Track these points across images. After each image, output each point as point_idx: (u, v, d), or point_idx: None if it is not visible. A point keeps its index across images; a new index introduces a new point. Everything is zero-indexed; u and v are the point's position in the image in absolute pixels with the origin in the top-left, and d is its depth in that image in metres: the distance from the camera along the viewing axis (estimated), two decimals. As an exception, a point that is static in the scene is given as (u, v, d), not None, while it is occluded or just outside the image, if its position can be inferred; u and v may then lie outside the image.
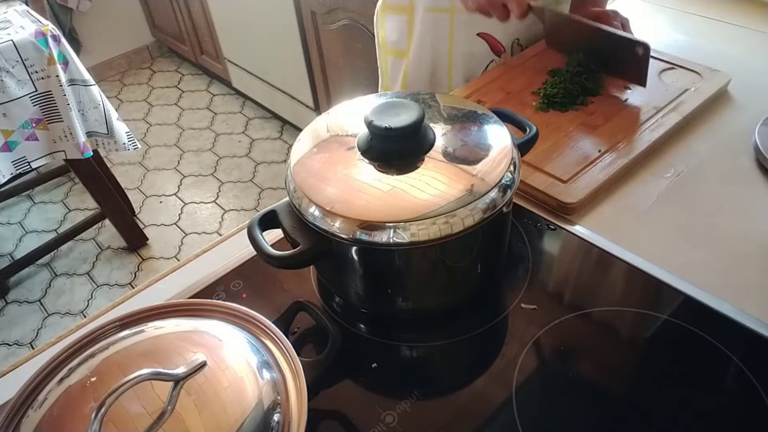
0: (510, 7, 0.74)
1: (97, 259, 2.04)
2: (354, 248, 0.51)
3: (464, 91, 0.85)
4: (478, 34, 0.92)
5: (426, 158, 0.52)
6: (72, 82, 1.56)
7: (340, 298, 0.61)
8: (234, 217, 2.17)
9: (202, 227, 2.14)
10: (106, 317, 0.56)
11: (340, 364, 0.52)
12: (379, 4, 1.00)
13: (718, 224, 0.65)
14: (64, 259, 2.05)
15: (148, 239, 2.08)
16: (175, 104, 2.76)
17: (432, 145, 0.53)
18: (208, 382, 0.41)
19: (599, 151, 0.72)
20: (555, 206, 0.67)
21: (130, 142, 1.72)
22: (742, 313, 0.55)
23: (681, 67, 0.85)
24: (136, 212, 2.21)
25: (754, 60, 0.91)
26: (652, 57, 0.84)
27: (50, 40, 1.48)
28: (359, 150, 0.54)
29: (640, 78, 0.80)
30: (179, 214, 2.20)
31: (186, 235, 2.12)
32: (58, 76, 1.49)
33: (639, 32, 0.87)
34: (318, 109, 2.18)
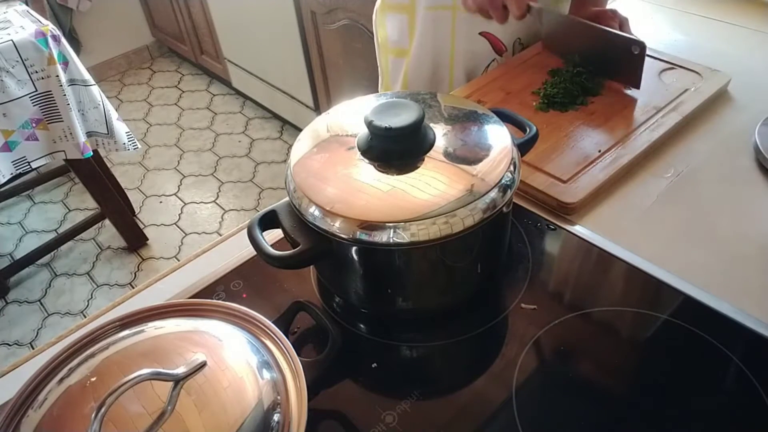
0: (509, 8, 0.74)
1: (97, 259, 2.04)
2: (354, 248, 0.51)
3: (464, 91, 0.85)
4: (480, 33, 0.92)
5: (426, 158, 0.52)
6: (72, 82, 1.56)
7: (340, 298, 0.61)
8: (234, 217, 2.17)
9: (202, 227, 2.14)
10: (106, 317, 0.56)
11: (340, 364, 0.52)
12: (378, 3, 1.00)
13: (718, 224, 0.65)
14: (64, 259, 2.05)
15: (148, 239, 2.08)
16: (175, 104, 2.76)
17: (432, 145, 0.53)
18: (208, 382, 0.41)
19: (599, 151, 0.72)
20: (555, 206, 0.67)
21: (130, 142, 1.72)
22: (742, 313, 0.55)
23: (681, 67, 0.85)
24: (136, 212, 2.21)
25: (754, 60, 0.91)
26: (653, 57, 0.85)
27: (50, 40, 1.48)
28: (359, 150, 0.54)
29: (634, 79, 0.80)
30: (179, 214, 2.20)
31: (186, 235, 2.12)
32: (58, 76, 1.49)
33: (639, 32, 0.87)
34: (318, 109, 2.18)
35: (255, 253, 0.52)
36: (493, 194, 0.50)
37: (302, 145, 0.57)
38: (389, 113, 0.52)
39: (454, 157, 0.53)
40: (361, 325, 0.59)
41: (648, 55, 0.80)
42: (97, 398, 0.38)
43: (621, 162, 0.70)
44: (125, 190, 2.12)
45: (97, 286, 1.95)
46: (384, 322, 0.59)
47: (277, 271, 0.57)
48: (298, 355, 0.46)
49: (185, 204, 2.24)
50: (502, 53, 0.94)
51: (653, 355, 0.54)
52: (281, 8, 1.97)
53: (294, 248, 0.51)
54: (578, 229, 0.65)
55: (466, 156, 0.54)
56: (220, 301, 0.51)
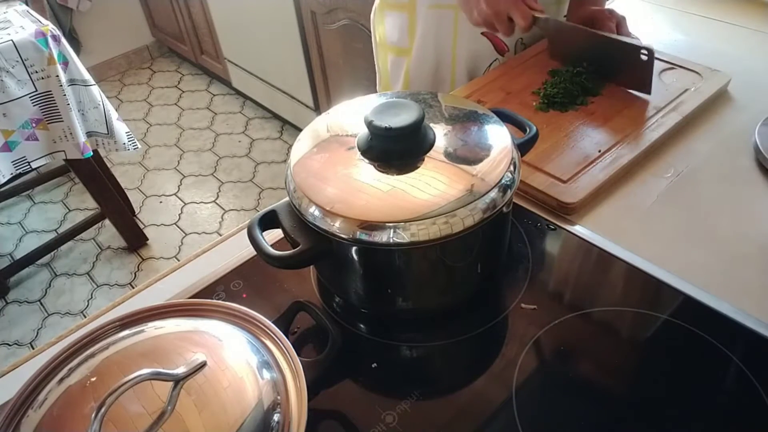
0: (515, 19, 0.74)
1: (97, 259, 2.04)
2: (354, 248, 0.51)
3: (464, 91, 0.85)
4: (482, 33, 0.92)
5: (426, 158, 0.52)
6: (72, 82, 1.56)
7: (340, 298, 0.61)
8: (234, 217, 2.17)
9: (202, 227, 2.14)
10: (106, 317, 0.56)
11: (340, 364, 0.52)
12: (376, 2, 1.00)
13: (718, 224, 0.65)
14: (64, 259, 2.05)
15: (148, 239, 2.08)
16: (175, 104, 2.76)
17: (432, 145, 0.53)
18: (208, 382, 0.41)
19: (599, 151, 0.72)
20: (555, 206, 0.67)
21: (130, 142, 1.72)
22: (742, 313, 0.55)
23: (681, 67, 0.85)
24: (136, 212, 2.21)
25: (754, 60, 0.91)
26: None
27: (50, 40, 1.48)
28: (359, 150, 0.54)
29: (644, 84, 0.79)
30: (179, 214, 2.20)
31: (186, 235, 2.12)
32: (58, 76, 1.49)
33: (638, 32, 0.87)
34: (318, 109, 2.18)
35: (255, 253, 0.52)
36: (493, 194, 0.50)
37: (302, 145, 0.57)
38: (389, 113, 0.52)
39: (454, 157, 0.53)
40: (361, 325, 0.59)
41: (648, 56, 0.80)
42: (97, 398, 0.38)
43: (621, 162, 0.70)
44: (125, 190, 2.12)
45: (97, 286, 1.95)
46: (384, 322, 0.59)
47: (277, 271, 0.57)
48: (298, 355, 0.46)
49: (185, 204, 2.24)
50: (504, 53, 0.94)
51: (653, 355, 0.54)
52: (281, 8, 1.97)
53: (294, 248, 0.51)
54: (578, 229, 0.65)
55: (466, 156, 0.54)
56: (220, 301, 0.51)
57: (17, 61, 1.44)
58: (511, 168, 0.52)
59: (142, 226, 2.10)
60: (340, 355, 0.51)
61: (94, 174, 1.82)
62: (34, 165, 1.57)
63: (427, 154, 0.52)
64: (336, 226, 0.49)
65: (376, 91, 0.84)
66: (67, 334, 0.59)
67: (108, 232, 2.11)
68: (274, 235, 0.60)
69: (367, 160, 0.53)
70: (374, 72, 1.08)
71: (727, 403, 0.50)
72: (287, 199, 0.54)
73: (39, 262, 2.01)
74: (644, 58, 0.77)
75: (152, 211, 2.22)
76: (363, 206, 0.49)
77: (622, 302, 0.58)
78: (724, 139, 0.76)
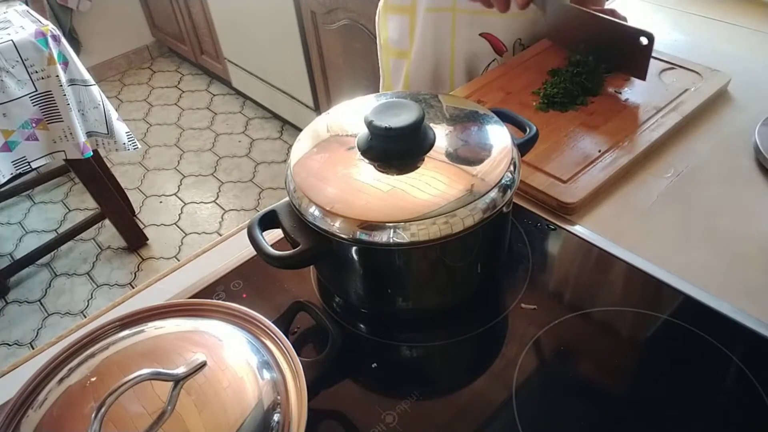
0: None
1: (97, 259, 2.04)
2: (354, 248, 0.51)
3: (464, 91, 0.85)
4: (480, 34, 0.92)
5: (426, 158, 0.52)
6: (72, 82, 1.56)
7: (340, 298, 0.61)
8: (234, 217, 2.17)
9: (202, 227, 2.14)
10: (106, 317, 0.56)
11: (340, 364, 0.52)
12: (380, 4, 1.00)
13: (718, 224, 0.65)
14: (64, 259, 2.05)
15: (148, 239, 2.08)
16: (175, 104, 2.76)
17: (432, 145, 0.53)
18: (208, 382, 0.41)
19: (599, 151, 0.72)
20: (555, 206, 0.67)
21: (130, 142, 1.72)
22: (742, 313, 0.55)
23: (681, 67, 0.85)
24: (136, 212, 2.21)
25: (754, 60, 0.91)
26: (653, 57, 0.84)
27: (50, 40, 1.48)
28: (359, 150, 0.54)
29: (640, 69, 0.80)
30: (179, 214, 2.20)
31: (186, 235, 2.12)
32: (58, 76, 1.49)
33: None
34: (318, 109, 2.18)
35: (255, 253, 0.52)
36: (493, 194, 0.50)
37: (302, 145, 0.57)
38: (389, 113, 0.52)
39: (454, 157, 0.54)
40: (361, 325, 0.59)
41: (649, 54, 0.80)
42: (97, 398, 0.38)
43: (621, 162, 0.70)
44: (125, 190, 2.12)
45: (97, 286, 1.95)
46: (384, 322, 0.59)
47: (277, 271, 0.57)
48: (298, 355, 0.46)
49: (185, 204, 2.24)
50: (503, 54, 0.94)
51: (653, 355, 0.54)
52: (281, 8, 1.97)
53: (294, 248, 0.51)
54: (578, 229, 0.65)
55: (466, 156, 0.54)
56: (220, 301, 0.51)
57: (17, 61, 1.44)
58: (511, 168, 0.52)
59: (142, 226, 2.10)
60: (340, 355, 0.51)
61: (94, 174, 1.82)
62: (34, 165, 1.57)
63: (427, 154, 0.52)
64: (336, 226, 0.49)
65: (376, 91, 0.84)
66: (67, 334, 0.59)
67: (108, 232, 2.11)
68: (274, 235, 0.60)
69: (367, 160, 0.53)
70: (374, 72, 1.08)
71: (727, 403, 0.50)
72: (287, 199, 0.54)
73: (39, 262, 2.01)
74: (644, 42, 0.77)
75: (152, 211, 2.22)
76: (363, 206, 0.49)
77: (622, 302, 0.58)
78: (724, 139, 0.76)
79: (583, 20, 0.83)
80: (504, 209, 0.52)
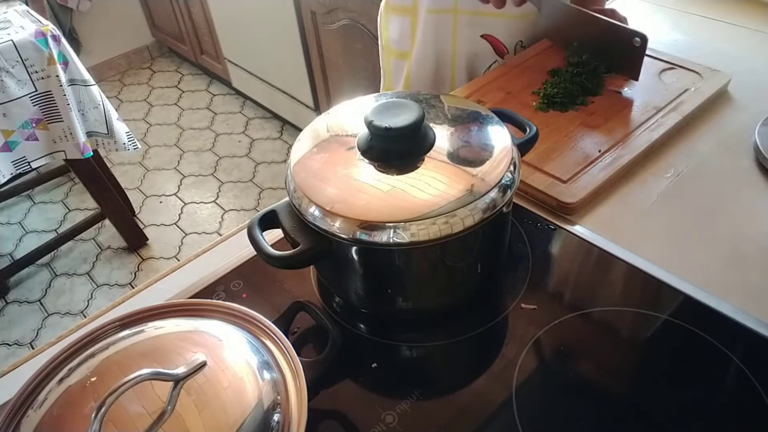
0: None
1: (97, 259, 2.04)
2: (354, 248, 0.51)
3: (464, 91, 0.85)
4: (481, 36, 0.92)
5: (426, 158, 0.52)
6: (72, 82, 1.56)
7: (340, 298, 0.61)
8: (234, 217, 2.17)
9: (202, 227, 2.14)
10: (106, 317, 0.56)
11: (340, 364, 0.52)
12: (382, 5, 1.00)
13: (718, 224, 0.65)
14: (64, 259, 2.05)
15: (148, 239, 2.08)
16: (175, 104, 2.76)
17: (432, 145, 0.53)
18: (208, 382, 0.41)
19: (599, 151, 0.72)
20: (555, 206, 0.67)
21: (130, 142, 1.72)
22: (742, 313, 0.55)
23: (681, 67, 0.85)
24: (136, 212, 2.21)
25: (754, 60, 0.91)
26: (653, 57, 0.85)
27: (50, 40, 1.48)
28: (359, 150, 0.54)
29: (633, 70, 0.80)
30: (179, 214, 2.20)
31: (186, 235, 2.12)
32: (58, 76, 1.49)
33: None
34: (318, 109, 2.18)
35: (255, 253, 0.52)
36: (493, 194, 0.50)
37: (302, 145, 0.57)
38: (389, 113, 0.52)
39: (454, 157, 0.54)
40: (361, 325, 0.59)
41: (648, 55, 0.80)
42: (97, 398, 0.38)
43: (621, 162, 0.70)
44: (125, 190, 2.12)
45: (97, 286, 1.95)
46: (384, 322, 0.59)
47: (277, 271, 0.57)
48: (298, 355, 0.46)
49: (185, 204, 2.24)
50: (504, 56, 0.94)
51: (653, 355, 0.54)
52: (281, 8, 1.97)
53: (294, 248, 0.51)
54: (578, 229, 0.65)
55: (466, 156, 0.54)
56: (220, 301, 0.51)
57: (17, 61, 1.44)
58: (511, 168, 0.52)
59: (142, 226, 2.10)
60: (340, 355, 0.51)
61: (94, 174, 1.82)
62: (34, 165, 1.57)
63: (427, 154, 0.52)
64: (336, 226, 0.49)
65: (376, 92, 0.84)
66: (67, 334, 0.59)
67: (108, 232, 2.11)
68: (274, 235, 0.60)
69: (367, 160, 0.53)
70: (374, 72, 1.08)
71: (727, 403, 0.50)
72: (287, 199, 0.54)
73: (39, 262, 2.01)
74: (637, 44, 0.78)
75: (152, 211, 2.22)
76: (363, 206, 0.49)
77: (622, 302, 0.58)
78: (724, 139, 0.76)
79: (579, 20, 0.83)
80: (504, 209, 0.52)
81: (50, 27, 1.50)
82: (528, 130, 0.60)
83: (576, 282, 0.62)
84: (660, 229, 0.65)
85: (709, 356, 0.52)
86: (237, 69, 2.51)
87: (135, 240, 2.05)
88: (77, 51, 2.44)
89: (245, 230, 0.53)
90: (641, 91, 0.81)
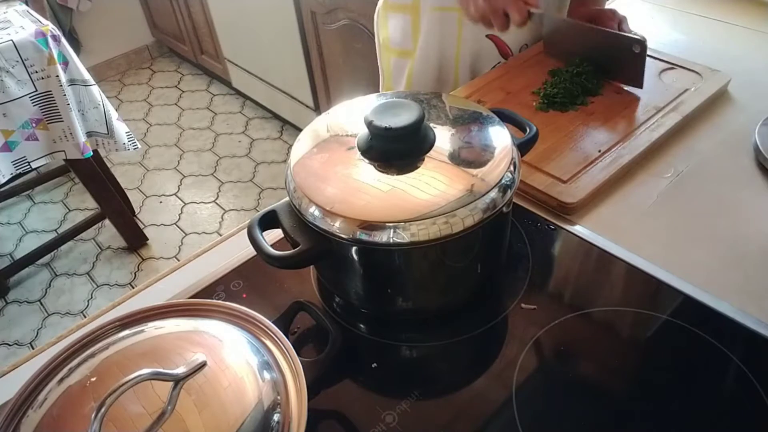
0: (510, 14, 0.74)
1: (97, 259, 2.04)
2: (354, 248, 0.51)
3: (464, 91, 0.85)
4: (486, 36, 0.92)
5: (426, 158, 0.52)
6: (72, 82, 1.56)
7: (340, 298, 0.61)
8: (234, 217, 2.17)
9: (202, 227, 2.14)
10: (106, 317, 0.56)
11: (340, 364, 0.52)
12: (379, 3, 1.00)
13: (718, 224, 0.65)
14: (64, 259, 2.05)
15: (148, 239, 2.08)
16: (175, 104, 2.76)
17: (432, 145, 0.53)
18: (208, 382, 0.41)
19: (599, 151, 0.72)
20: (555, 206, 0.67)
21: (130, 142, 1.72)
22: (742, 313, 0.55)
23: (681, 67, 0.85)
24: (136, 212, 2.21)
25: (754, 60, 0.91)
26: (653, 57, 0.85)
27: (50, 40, 1.48)
28: (359, 150, 0.54)
29: (636, 78, 0.80)
30: (179, 214, 2.20)
31: (186, 235, 2.12)
32: (58, 76, 1.49)
33: (638, 32, 0.87)
34: (318, 109, 2.18)
35: (255, 253, 0.52)
36: (493, 194, 0.50)
37: (302, 145, 0.57)
38: (389, 113, 0.52)
39: (454, 157, 0.54)
40: (361, 325, 0.59)
41: (648, 55, 0.80)
42: (97, 398, 0.38)
43: (621, 162, 0.70)
44: (125, 190, 2.12)
45: (97, 286, 1.95)
46: (384, 322, 0.59)
47: (277, 271, 0.57)
48: (298, 355, 0.46)
49: (185, 204, 2.24)
50: (508, 57, 0.94)
51: (653, 355, 0.54)
52: (281, 8, 1.97)
53: (294, 248, 0.51)
54: (578, 229, 0.65)
55: (466, 156, 0.54)
56: (220, 301, 0.51)
57: (17, 61, 1.44)
58: (511, 168, 0.52)
59: (142, 226, 2.10)
60: (340, 355, 0.51)
61: (94, 174, 1.81)
62: (34, 165, 1.57)
63: (427, 154, 0.52)
64: (336, 226, 0.49)
65: (376, 92, 0.84)
66: (67, 334, 0.59)
67: (108, 232, 2.11)
68: (274, 235, 0.60)
69: (367, 160, 0.53)
70: (374, 72, 1.08)
71: (727, 403, 0.50)
72: (287, 199, 0.54)
73: (39, 262, 2.01)
74: (636, 51, 0.77)
75: (152, 211, 2.22)
76: (363, 206, 0.49)
77: (622, 302, 0.58)
78: (724, 139, 0.76)
79: (578, 32, 0.83)
80: (504, 209, 0.52)
81: (50, 27, 1.50)
82: (528, 130, 0.60)
83: (576, 282, 0.62)
84: (660, 229, 0.65)
85: (709, 356, 0.52)
86: (237, 69, 2.51)
87: (135, 240, 2.05)
88: (77, 51, 2.44)
89: (245, 230, 0.53)
90: (641, 92, 0.81)
